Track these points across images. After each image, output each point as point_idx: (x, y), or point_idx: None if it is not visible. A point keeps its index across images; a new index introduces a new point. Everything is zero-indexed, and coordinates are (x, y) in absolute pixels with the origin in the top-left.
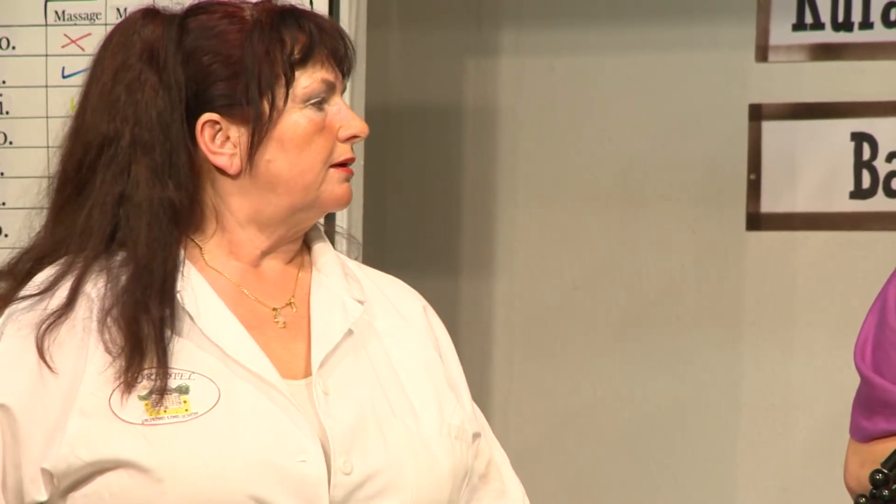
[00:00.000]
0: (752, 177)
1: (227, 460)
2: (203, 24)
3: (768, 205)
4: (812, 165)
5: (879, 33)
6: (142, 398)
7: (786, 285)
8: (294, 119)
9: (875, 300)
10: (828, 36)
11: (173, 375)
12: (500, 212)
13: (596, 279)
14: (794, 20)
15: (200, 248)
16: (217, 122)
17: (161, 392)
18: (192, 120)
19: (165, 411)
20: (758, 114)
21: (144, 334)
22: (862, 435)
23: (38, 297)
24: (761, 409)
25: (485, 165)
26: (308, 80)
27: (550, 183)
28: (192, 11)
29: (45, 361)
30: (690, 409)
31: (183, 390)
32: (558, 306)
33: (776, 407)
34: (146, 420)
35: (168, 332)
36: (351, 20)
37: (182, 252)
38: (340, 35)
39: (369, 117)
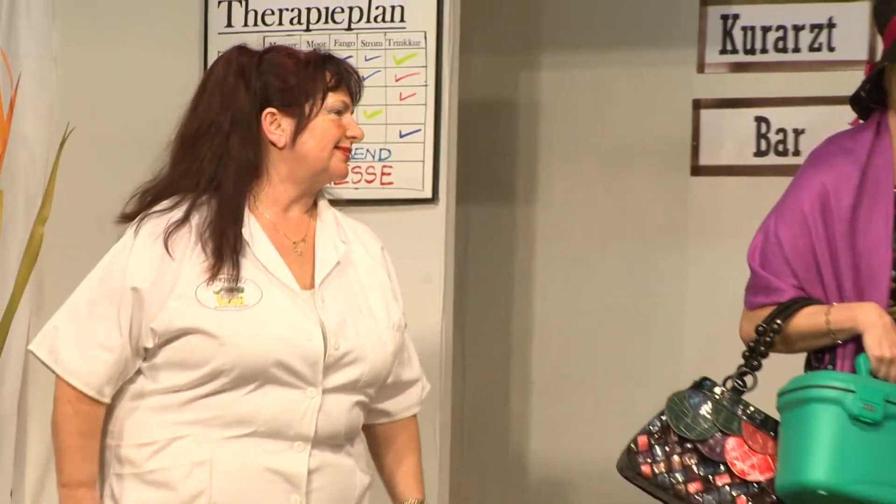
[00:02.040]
0: (694, 143)
1: (264, 335)
2: (272, 58)
3: (704, 160)
4: (731, 136)
5: (772, 56)
6: (216, 293)
7: (715, 212)
8: (322, 119)
9: (763, 221)
10: (740, 57)
11: (235, 281)
12: (542, 173)
13: (604, 209)
14: (720, 47)
15: (255, 198)
16: (275, 114)
17: (227, 291)
18: (261, 112)
19: (229, 302)
20: (698, 105)
21: (224, 247)
22: (750, 305)
23: (163, 212)
24: (699, 293)
25: (532, 141)
26: (334, 99)
27: (575, 155)
28: (267, 51)
29: (167, 251)
30: (655, 294)
31: (240, 290)
32: (582, 229)
33: (708, 292)
34: (216, 307)
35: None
36: (449, 46)
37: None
38: (357, 78)
39: (462, 110)
